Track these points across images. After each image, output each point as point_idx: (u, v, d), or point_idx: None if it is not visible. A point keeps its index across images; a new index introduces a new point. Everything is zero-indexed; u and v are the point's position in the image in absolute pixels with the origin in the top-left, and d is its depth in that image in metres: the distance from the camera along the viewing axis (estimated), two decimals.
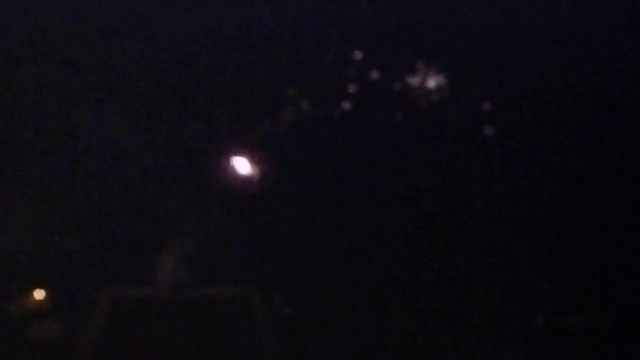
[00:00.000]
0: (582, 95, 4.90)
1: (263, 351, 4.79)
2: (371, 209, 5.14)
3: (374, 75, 4.85)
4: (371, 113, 4.93)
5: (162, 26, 4.85)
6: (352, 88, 4.95)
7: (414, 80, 4.90)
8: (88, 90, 5.03)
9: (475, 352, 4.93)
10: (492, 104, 4.96)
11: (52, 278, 5.12)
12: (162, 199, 5.15)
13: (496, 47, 4.59)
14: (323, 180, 5.08)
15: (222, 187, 5.22)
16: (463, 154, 5.18)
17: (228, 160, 5.17)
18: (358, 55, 4.66)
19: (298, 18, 4.70)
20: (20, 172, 5.13)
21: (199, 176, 5.20)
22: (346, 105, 5.02)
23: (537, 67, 4.85)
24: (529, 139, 5.11)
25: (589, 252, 5.13)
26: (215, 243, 5.11)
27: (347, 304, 5.09)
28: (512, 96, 4.91)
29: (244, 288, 4.93)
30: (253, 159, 5.18)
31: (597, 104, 4.93)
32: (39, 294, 5.09)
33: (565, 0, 4.58)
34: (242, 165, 5.18)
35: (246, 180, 5.17)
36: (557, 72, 4.83)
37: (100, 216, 5.13)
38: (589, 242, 5.14)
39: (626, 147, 4.98)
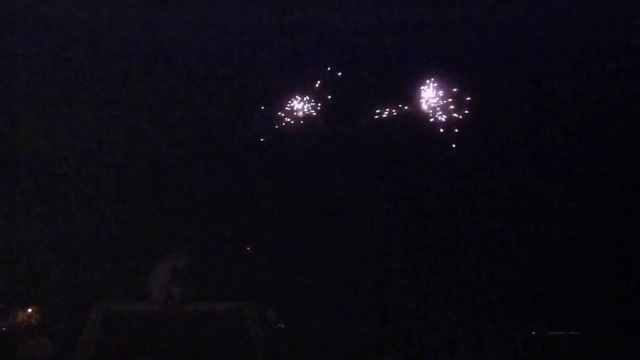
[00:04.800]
0: (581, 96, 4.91)
1: None
2: (366, 218, 5.12)
3: (374, 73, 4.85)
4: (370, 112, 4.93)
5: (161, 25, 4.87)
6: (352, 87, 4.95)
7: (414, 79, 4.90)
8: (88, 92, 5.04)
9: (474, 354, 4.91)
10: (491, 104, 4.96)
11: (44, 294, 5.09)
12: (157, 211, 5.14)
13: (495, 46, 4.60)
14: (320, 187, 5.07)
15: (216, 198, 5.22)
16: (463, 154, 5.18)
17: (225, 167, 5.17)
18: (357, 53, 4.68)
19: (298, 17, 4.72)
20: (13, 189, 5.13)
21: (193, 188, 5.19)
22: (346, 104, 5.03)
23: (536, 67, 4.85)
24: (529, 138, 5.10)
25: (588, 257, 5.12)
26: (208, 258, 5.10)
27: (341, 317, 5.08)
28: (512, 95, 4.92)
29: (237, 303, 4.92)
30: (251, 164, 5.17)
31: (596, 104, 4.93)
32: (31, 310, 5.07)
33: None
34: (238, 171, 5.17)
35: (242, 188, 5.17)
36: (556, 72, 4.84)
37: (92, 231, 5.12)
38: (588, 245, 5.13)
39: (626, 148, 4.99)
